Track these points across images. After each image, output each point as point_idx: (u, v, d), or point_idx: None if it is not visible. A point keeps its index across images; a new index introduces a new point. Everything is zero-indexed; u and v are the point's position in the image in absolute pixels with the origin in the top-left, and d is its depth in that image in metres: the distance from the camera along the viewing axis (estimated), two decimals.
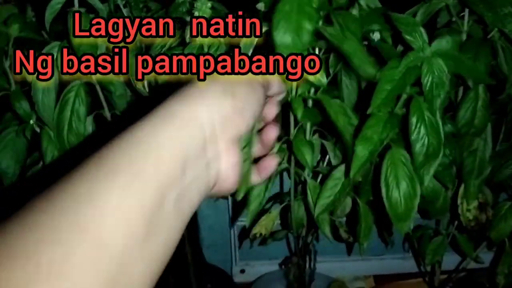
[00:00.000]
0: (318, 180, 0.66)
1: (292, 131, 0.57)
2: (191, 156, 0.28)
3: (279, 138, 0.68)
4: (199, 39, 0.49)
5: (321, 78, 0.47)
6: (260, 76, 0.36)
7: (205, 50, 0.51)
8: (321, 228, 0.60)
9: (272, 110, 0.40)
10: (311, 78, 0.48)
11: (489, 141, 0.63)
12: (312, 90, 0.56)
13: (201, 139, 0.29)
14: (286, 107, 0.58)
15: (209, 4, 0.49)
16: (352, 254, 0.95)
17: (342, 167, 0.57)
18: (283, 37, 0.39)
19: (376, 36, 0.50)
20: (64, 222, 0.23)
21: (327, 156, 0.67)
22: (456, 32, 0.57)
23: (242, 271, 1.04)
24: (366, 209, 0.60)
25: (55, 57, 0.58)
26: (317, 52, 0.58)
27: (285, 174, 0.87)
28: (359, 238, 0.60)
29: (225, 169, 0.31)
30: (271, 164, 0.39)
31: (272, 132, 0.39)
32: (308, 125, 0.60)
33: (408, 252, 0.99)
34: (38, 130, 0.63)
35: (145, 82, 0.69)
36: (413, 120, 0.45)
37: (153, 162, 0.26)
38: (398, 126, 0.46)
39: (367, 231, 0.59)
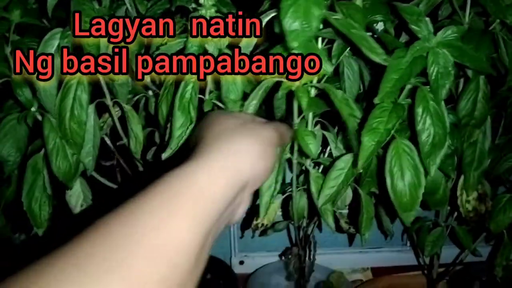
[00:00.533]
0: (320, 171, 0.66)
1: (296, 120, 0.57)
2: (227, 204, 0.32)
3: None
4: (199, 40, 0.49)
5: (326, 66, 0.47)
6: (279, 137, 0.39)
7: (209, 37, 0.50)
8: (325, 218, 0.60)
9: None
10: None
11: (488, 134, 0.64)
12: (315, 80, 0.56)
13: (237, 189, 0.33)
14: (289, 96, 0.58)
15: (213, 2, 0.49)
16: (350, 247, 0.96)
17: (345, 158, 0.58)
18: (292, 23, 0.39)
19: (379, 26, 0.50)
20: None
21: (328, 148, 0.67)
22: (458, 24, 0.57)
23: (241, 262, 1.05)
24: (368, 200, 0.60)
25: (56, 45, 0.58)
26: (319, 42, 0.58)
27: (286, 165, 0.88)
28: (360, 228, 0.60)
29: (240, 211, 0.36)
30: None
31: None
32: (310, 116, 0.60)
33: (406, 244, 1.00)
34: (39, 117, 0.63)
35: (148, 78, 0.70)
36: (419, 110, 0.45)
37: (204, 207, 0.30)
38: (403, 116, 0.46)
39: (369, 222, 0.60)
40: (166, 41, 0.55)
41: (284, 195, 0.65)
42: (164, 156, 0.51)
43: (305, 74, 0.50)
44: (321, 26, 0.47)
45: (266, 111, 0.90)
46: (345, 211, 0.73)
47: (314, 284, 0.90)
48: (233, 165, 0.33)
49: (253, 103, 0.53)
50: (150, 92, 0.71)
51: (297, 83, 0.52)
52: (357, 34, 0.44)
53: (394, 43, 0.51)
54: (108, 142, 0.74)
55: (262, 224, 0.64)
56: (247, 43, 0.50)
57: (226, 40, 0.51)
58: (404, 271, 1.01)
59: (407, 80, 0.44)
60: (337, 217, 0.72)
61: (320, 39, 0.58)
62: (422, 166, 0.48)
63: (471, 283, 0.98)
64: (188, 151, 0.35)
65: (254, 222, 0.64)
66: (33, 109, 0.63)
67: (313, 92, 0.60)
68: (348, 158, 0.57)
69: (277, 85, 0.55)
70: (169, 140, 0.49)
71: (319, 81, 0.57)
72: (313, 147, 0.53)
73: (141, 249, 0.27)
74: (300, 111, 0.56)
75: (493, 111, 0.72)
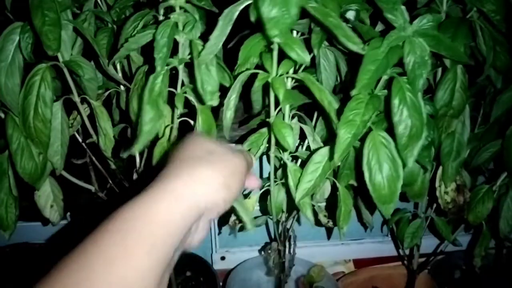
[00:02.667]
0: (298, 164, 0.65)
1: (272, 113, 0.55)
2: (184, 231, 0.33)
3: (260, 124, 0.67)
4: (173, 16, 0.46)
5: (303, 56, 0.45)
6: (246, 165, 0.38)
7: (180, 28, 0.48)
8: (303, 212, 0.59)
9: (252, 182, 0.42)
10: (293, 55, 0.46)
11: (467, 124, 0.63)
12: (291, 71, 0.55)
13: (193, 219, 0.33)
14: (266, 88, 0.56)
15: None
16: (331, 239, 0.95)
17: (322, 151, 0.56)
18: (271, 11, 0.38)
19: (350, 14, 0.48)
20: None
21: (306, 141, 0.66)
22: (435, 12, 0.56)
23: (223, 258, 1.03)
24: (346, 193, 0.59)
25: (17, 40, 0.55)
26: (294, 33, 0.56)
27: (264, 159, 0.86)
28: (338, 222, 0.59)
29: (198, 238, 0.37)
30: (254, 183, 0.43)
31: (254, 183, 0.43)
32: (287, 108, 0.59)
33: (387, 236, 1.00)
34: (2, 116, 0.60)
35: (118, 66, 0.67)
36: (395, 101, 0.44)
37: (164, 237, 0.31)
38: (380, 107, 0.45)
39: (347, 215, 0.59)
40: (135, 32, 0.52)
41: (262, 190, 0.64)
42: (132, 151, 0.49)
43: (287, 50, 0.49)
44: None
45: (244, 106, 0.89)
46: (323, 204, 0.72)
47: (295, 278, 0.89)
48: (191, 194, 0.33)
49: (233, 98, 0.52)
50: (122, 87, 0.68)
51: (273, 74, 0.51)
52: (334, 22, 0.42)
53: (370, 33, 0.50)
54: (80, 139, 0.72)
55: (240, 221, 0.62)
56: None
57: (197, 31, 0.48)
58: (387, 262, 1.00)
59: (384, 71, 0.43)
60: (316, 210, 0.71)
61: (295, 32, 0.56)
62: (400, 158, 0.47)
63: (452, 272, 0.98)
64: (159, 167, 0.36)
65: (231, 219, 0.63)
66: None
67: (289, 83, 0.58)
68: (325, 151, 0.56)
69: (253, 78, 0.53)
70: (138, 135, 0.47)
71: (295, 72, 0.56)
72: (290, 140, 0.51)
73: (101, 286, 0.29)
74: (277, 104, 0.55)
75: (472, 100, 0.71)
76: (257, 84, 0.49)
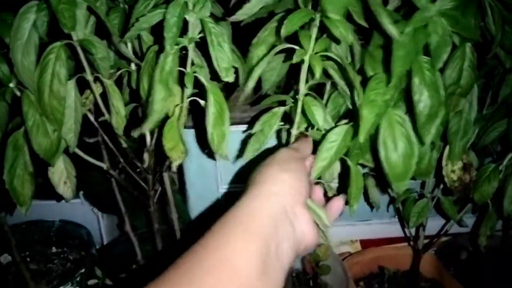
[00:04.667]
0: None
1: (302, 90, 0.56)
2: (279, 219, 0.39)
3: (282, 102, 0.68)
4: (179, 9, 0.47)
5: (347, 34, 0.46)
6: (296, 152, 0.48)
7: (190, 7, 0.49)
8: None
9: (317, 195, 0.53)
10: (337, 33, 0.47)
11: (474, 103, 0.63)
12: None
13: (282, 206, 0.40)
14: (294, 66, 0.56)
15: None
16: (339, 219, 0.96)
17: (337, 130, 0.56)
18: None
19: None
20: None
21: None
22: None
23: None
24: (357, 171, 0.59)
25: (33, 19, 0.56)
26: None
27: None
28: (349, 199, 0.60)
29: (306, 226, 0.41)
30: (339, 204, 0.52)
31: (338, 205, 0.52)
32: (303, 87, 0.59)
33: (394, 217, 1.01)
34: (18, 93, 0.61)
35: (129, 45, 0.68)
36: (415, 80, 0.44)
37: (257, 223, 0.37)
38: (400, 87, 0.46)
39: (358, 193, 0.59)
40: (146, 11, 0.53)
41: None
42: (143, 130, 0.50)
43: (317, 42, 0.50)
44: None
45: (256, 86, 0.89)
46: (335, 185, 0.73)
47: (300, 257, 0.91)
48: (265, 192, 0.41)
49: (259, 67, 0.52)
50: (133, 66, 0.69)
51: (310, 51, 0.51)
52: (376, 3, 0.42)
53: (392, 15, 0.50)
54: (92, 118, 0.73)
55: None
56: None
57: (207, 10, 0.49)
58: (394, 243, 1.02)
59: (415, 55, 0.43)
60: (325, 190, 0.71)
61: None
62: (415, 136, 0.48)
63: (458, 253, 0.99)
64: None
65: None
66: (11, 85, 0.61)
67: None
68: (339, 130, 0.56)
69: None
70: (149, 114, 0.48)
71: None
72: (320, 117, 0.53)
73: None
74: (307, 81, 0.55)
75: (481, 81, 0.71)
76: (295, 60, 0.50)
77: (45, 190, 0.72)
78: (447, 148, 0.65)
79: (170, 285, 0.32)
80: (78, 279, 0.85)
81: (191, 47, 0.53)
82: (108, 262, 0.93)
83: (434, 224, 0.90)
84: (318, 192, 0.52)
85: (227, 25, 0.59)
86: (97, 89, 0.66)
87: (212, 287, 0.32)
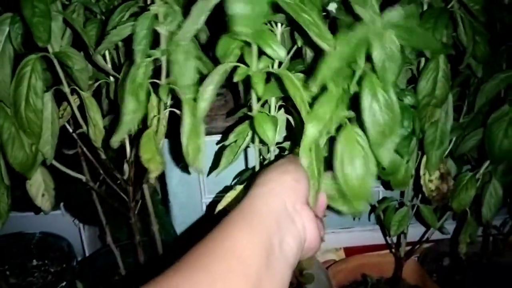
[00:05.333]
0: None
1: (255, 106, 0.56)
2: (280, 215, 0.40)
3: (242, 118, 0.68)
4: (153, 8, 0.47)
5: (279, 52, 0.46)
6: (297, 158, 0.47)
7: (161, 19, 0.49)
8: None
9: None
10: (269, 51, 0.47)
11: (450, 113, 0.64)
12: (276, 64, 0.55)
13: (283, 204, 0.41)
14: (248, 81, 0.57)
15: None
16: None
17: None
18: (236, 7, 0.38)
19: (332, 6, 0.49)
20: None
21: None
22: (418, 2, 0.57)
23: None
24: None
25: (7, 32, 0.55)
26: (279, 26, 0.57)
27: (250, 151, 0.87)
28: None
29: (307, 221, 0.42)
30: (322, 200, 0.50)
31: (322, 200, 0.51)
32: (273, 100, 0.60)
33: (376, 224, 1.01)
34: None
35: (107, 57, 0.68)
36: (365, 98, 0.42)
37: (259, 219, 0.39)
38: (349, 104, 0.45)
39: None
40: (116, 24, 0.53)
41: (246, 182, 0.65)
42: (112, 142, 0.50)
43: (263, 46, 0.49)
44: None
45: (233, 96, 0.89)
46: None
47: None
48: (268, 193, 0.43)
49: (209, 89, 0.52)
50: (112, 78, 0.69)
51: (253, 68, 0.51)
52: (305, 18, 0.42)
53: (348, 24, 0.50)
54: (70, 130, 0.73)
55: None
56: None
57: (177, 22, 0.49)
58: (378, 250, 1.02)
59: (348, 66, 0.42)
60: None
61: (279, 24, 0.57)
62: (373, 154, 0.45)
63: (440, 259, 1.00)
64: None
65: (218, 208, 0.64)
66: None
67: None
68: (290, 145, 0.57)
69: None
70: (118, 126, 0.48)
71: (280, 64, 0.56)
72: (270, 134, 0.52)
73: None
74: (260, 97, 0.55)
75: (457, 89, 0.72)
76: (237, 78, 0.49)
77: (25, 202, 0.72)
78: (424, 158, 0.66)
79: (181, 273, 0.34)
80: None
81: (163, 59, 0.53)
82: (89, 274, 0.92)
83: (415, 231, 0.90)
84: (322, 199, 0.51)
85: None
86: (74, 101, 0.66)
87: (221, 274, 0.34)
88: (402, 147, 0.51)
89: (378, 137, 0.42)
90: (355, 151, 0.44)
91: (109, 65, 0.67)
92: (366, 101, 0.42)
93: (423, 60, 0.62)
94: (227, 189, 0.67)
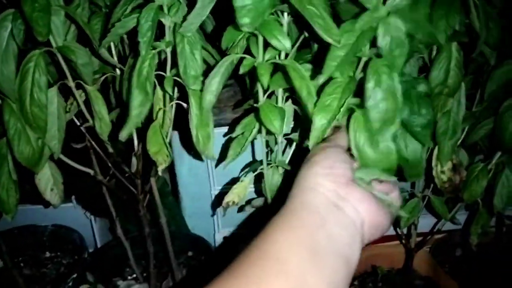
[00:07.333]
0: (293, 147, 0.65)
1: (261, 98, 0.55)
2: (323, 208, 0.39)
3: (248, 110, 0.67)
4: (153, 13, 0.46)
5: (284, 43, 0.45)
6: (328, 142, 0.45)
7: (165, 11, 0.48)
8: None
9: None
10: (274, 42, 0.46)
11: (462, 102, 0.62)
12: (283, 54, 0.54)
13: (322, 196, 0.39)
14: (254, 73, 0.56)
15: None
16: None
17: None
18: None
19: None
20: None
21: None
22: None
23: (225, 238, 1.05)
24: None
25: (10, 28, 0.55)
26: (285, 16, 0.56)
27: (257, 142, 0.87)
28: None
29: (358, 204, 0.40)
30: None
31: None
32: (280, 91, 0.59)
33: None
34: None
35: (113, 50, 0.67)
36: (369, 84, 0.41)
37: (299, 219, 0.38)
38: (355, 91, 0.44)
39: None
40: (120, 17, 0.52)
41: (255, 172, 0.64)
42: (121, 136, 0.49)
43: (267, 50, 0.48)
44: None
45: (240, 88, 0.88)
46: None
47: None
48: (309, 185, 0.41)
49: (215, 81, 0.51)
50: (118, 71, 0.68)
51: (259, 59, 0.50)
52: (311, 11, 0.41)
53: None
54: (78, 124, 0.73)
55: (233, 202, 0.63)
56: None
57: (182, 13, 0.48)
58: (388, 241, 1.01)
59: (355, 55, 0.41)
60: None
61: (285, 13, 0.55)
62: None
63: (452, 250, 0.99)
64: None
65: (225, 200, 0.63)
66: None
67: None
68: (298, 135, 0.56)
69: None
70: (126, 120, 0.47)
71: (287, 55, 0.55)
72: (277, 123, 0.51)
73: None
74: (267, 88, 0.54)
75: (470, 77, 0.70)
76: (243, 70, 0.49)
77: (36, 195, 0.72)
78: (436, 148, 0.65)
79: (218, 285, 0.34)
80: (70, 284, 0.84)
81: (168, 51, 0.52)
82: (100, 266, 0.93)
83: (427, 222, 0.89)
84: None
85: None
86: (80, 95, 0.65)
87: (254, 277, 0.34)
88: (424, 135, 0.49)
89: (379, 124, 0.40)
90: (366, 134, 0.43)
91: (115, 58, 0.66)
92: (369, 87, 0.40)
93: (435, 48, 0.60)
94: (234, 180, 0.67)
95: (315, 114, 0.43)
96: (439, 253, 0.94)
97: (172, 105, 0.61)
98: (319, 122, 0.43)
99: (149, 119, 0.61)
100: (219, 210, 1.02)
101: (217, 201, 1.00)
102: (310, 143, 0.44)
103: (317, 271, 0.35)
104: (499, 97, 0.67)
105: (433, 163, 0.67)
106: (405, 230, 0.84)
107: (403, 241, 0.85)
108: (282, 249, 0.35)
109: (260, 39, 0.49)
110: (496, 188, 0.68)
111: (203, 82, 0.51)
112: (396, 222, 0.78)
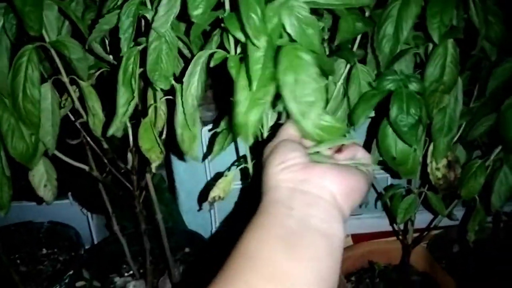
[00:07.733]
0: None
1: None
2: (287, 196, 0.39)
3: None
4: (135, 8, 0.46)
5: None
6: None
7: (148, 6, 0.47)
8: None
9: None
10: (238, 35, 0.44)
11: (459, 98, 0.62)
12: None
13: (279, 187, 0.40)
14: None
15: None
16: None
17: None
18: None
19: None
20: None
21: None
22: None
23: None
24: None
25: (2, 22, 0.54)
26: None
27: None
28: None
29: (322, 180, 0.39)
30: None
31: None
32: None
33: (383, 211, 1.00)
34: None
35: (108, 46, 0.66)
36: (284, 74, 0.39)
37: (266, 214, 0.39)
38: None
39: None
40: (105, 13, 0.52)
41: (238, 167, 0.63)
42: (109, 133, 0.49)
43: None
44: None
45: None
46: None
47: None
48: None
49: (193, 80, 0.49)
50: None
51: (232, 53, 0.48)
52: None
53: None
54: (73, 119, 0.72)
55: (219, 197, 0.63)
56: None
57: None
58: (386, 237, 1.01)
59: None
60: None
61: None
62: None
63: (450, 246, 0.99)
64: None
65: (211, 195, 0.63)
66: None
67: None
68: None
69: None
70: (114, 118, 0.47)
71: None
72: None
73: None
74: None
75: (467, 73, 0.70)
76: (213, 63, 0.47)
77: (31, 191, 0.72)
78: (432, 144, 0.64)
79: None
80: (66, 281, 0.84)
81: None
82: (96, 263, 0.93)
83: (424, 218, 0.89)
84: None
85: None
86: (74, 91, 0.65)
87: (229, 276, 0.35)
88: (410, 135, 0.49)
89: (300, 109, 0.39)
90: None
91: (110, 54, 0.66)
92: (281, 69, 0.39)
93: (430, 45, 0.59)
94: (218, 176, 0.66)
95: (247, 113, 0.42)
96: (436, 249, 0.94)
97: (162, 101, 0.60)
98: (251, 119, 0.42)
99: (145, 114, 0.61)
100: (216, 205, 1.02)
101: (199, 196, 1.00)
102: (244, 139, 0.44)
103: (292, 255, 0.35)
104: (499, 94, 0.67)
105: (428, 160, 0.66)
106: (402, 226, 0.84)
107: (400, 237, 0.85)
108: (255, 247, 0.36)
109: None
110: (494, 185, 0.68)
111: (181, 80, 0.50)
112: (393, 218, 0.78)
